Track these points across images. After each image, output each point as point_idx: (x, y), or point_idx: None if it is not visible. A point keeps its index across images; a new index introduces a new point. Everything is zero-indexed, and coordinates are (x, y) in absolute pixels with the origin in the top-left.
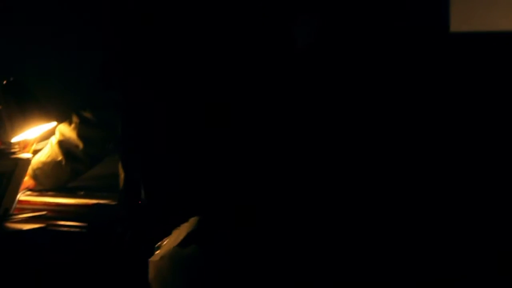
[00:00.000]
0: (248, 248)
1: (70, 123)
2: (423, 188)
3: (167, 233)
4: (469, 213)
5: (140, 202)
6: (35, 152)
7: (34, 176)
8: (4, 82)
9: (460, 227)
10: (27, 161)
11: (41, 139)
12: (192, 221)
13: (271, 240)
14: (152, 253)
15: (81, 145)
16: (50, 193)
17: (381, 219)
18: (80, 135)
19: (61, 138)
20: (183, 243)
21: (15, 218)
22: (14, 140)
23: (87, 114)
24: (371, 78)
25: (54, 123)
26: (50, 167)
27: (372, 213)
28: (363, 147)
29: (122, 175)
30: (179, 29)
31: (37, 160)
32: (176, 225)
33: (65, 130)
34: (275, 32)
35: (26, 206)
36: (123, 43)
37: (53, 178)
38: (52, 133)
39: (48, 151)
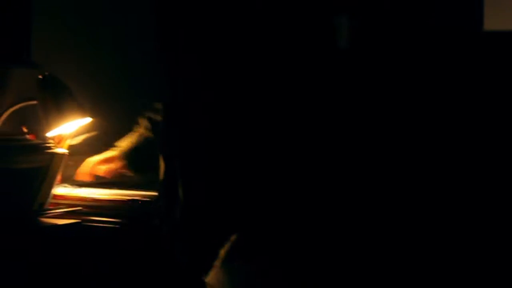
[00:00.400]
0: (292, 259)
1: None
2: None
3: (208, 242)
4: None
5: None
6: (70, 147)
7: (126, 163)
8: (40, 76)
9: (463, 228)
10: (62, 156)
11: (75, 134)
12: (234, 237)
13: (314, 251)
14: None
15: None
16: (85, 188)
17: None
18: None
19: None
20: (229, 260)
21: (49, 213)
22: (49, 134)
23: None
24: (404, 77)
25: (89, 119)
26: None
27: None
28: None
29: (162, 167)
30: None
31: (130, 147)
32: (217, 236)
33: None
34: (316, 33)
35: (61, 201)
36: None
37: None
38: (86, 128)
39: (142, 139)
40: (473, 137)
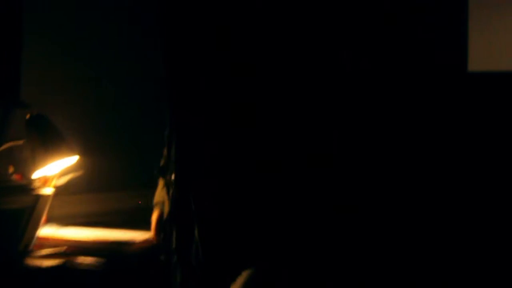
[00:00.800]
0: None
1: None
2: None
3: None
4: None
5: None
6: (56, 187)
7: None
8: (28, 116)
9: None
10: (48, 197)
11: (62, 174)
12: (246, 273)
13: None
14: None
15: None
16: (69, 229)
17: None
18: None
19: None
20: None
21: (34, 255)
22: (35, 175)
23: None
24: (390, 116)
25: (76, 157)
26: None
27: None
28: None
29: (167, 201)
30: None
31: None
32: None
33: None
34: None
35: (46, 242)
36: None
37: None
38: (73, 168)
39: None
40: (452, 175)
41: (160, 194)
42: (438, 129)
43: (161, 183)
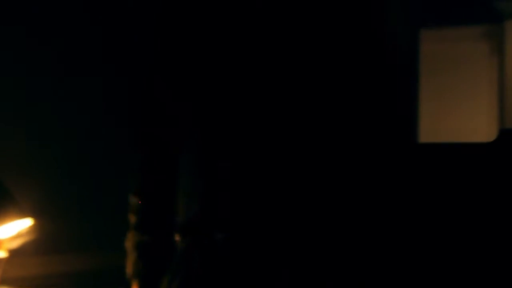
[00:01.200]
0: None
1: None
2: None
3: None
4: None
5: None
6: (9, 251)
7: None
8: None
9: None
10: (0, 261)
11: (14, 237)
12: None
13: None
14: None
15: None
16: None
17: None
18: None
19: None
20: None
21: None
22: None
23: None
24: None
25: (28, 221)
26: None
27: None
28: None
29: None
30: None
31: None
32: None
33: None
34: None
35: None
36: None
37: None
38: (26, 231)
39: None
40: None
41: (135, 263)
42: (390, 204)
43: (132, 253)
